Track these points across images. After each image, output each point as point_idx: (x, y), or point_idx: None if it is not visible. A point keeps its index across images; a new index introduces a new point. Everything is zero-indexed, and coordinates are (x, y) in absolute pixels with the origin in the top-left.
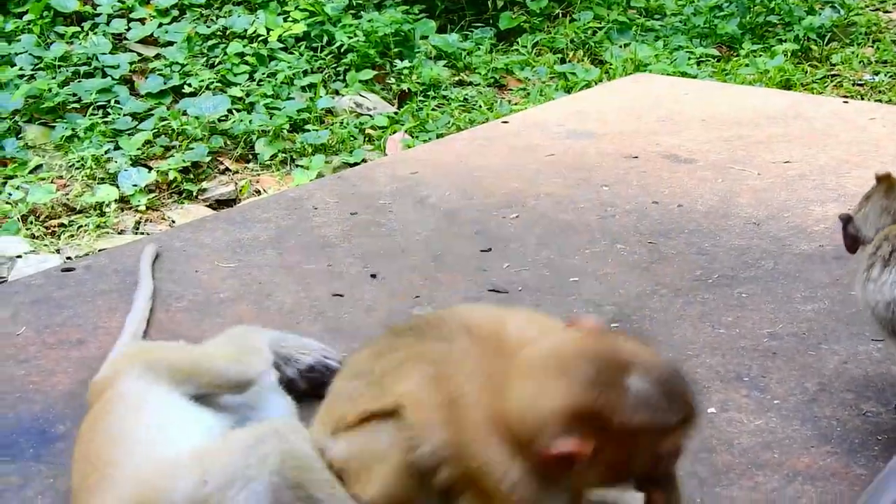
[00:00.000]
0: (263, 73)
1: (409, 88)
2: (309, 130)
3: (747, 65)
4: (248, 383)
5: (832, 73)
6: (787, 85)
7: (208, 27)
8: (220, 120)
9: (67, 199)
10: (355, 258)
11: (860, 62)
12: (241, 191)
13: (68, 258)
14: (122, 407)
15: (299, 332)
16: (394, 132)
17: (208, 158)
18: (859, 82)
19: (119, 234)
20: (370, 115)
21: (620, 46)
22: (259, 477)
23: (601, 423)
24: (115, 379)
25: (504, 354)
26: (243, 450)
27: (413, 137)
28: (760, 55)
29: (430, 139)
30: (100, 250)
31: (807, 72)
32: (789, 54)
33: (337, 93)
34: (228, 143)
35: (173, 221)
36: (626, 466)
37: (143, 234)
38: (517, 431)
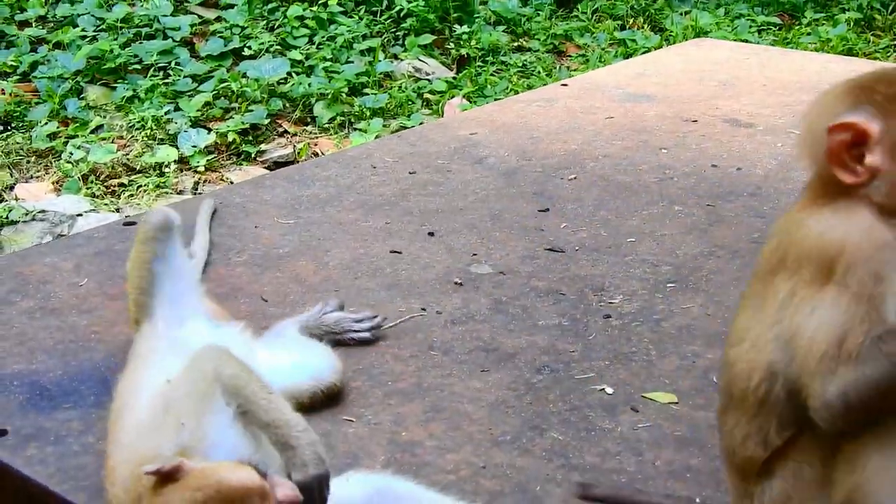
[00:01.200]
0: (323, 37)
1: (467, 54)
2: (367, 94)
3: (809, 33)
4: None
5: None
6: (849, 54)
7: None
8: (279, 83)
9: (127, 159)
10: (413, 216)
11: None
12: (299, 153)
13: (127, 217)
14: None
15: (357, 287)
16: (452, 97)
17: (267, 121)
18: None
19: (178, 194)
20: (428, 80)
21: (681, 14)
22: (213, 393)
23: (887, 98)
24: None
25: None
26: (189, 380)
27: (471, 102)
28: (822, 24)
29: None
30: None
31: (870, 41)
32: (852, 23)
33: (396, 57)
34: (287, 105)
35: (232, 182)
36: None
37: (201, 194)
38: (816, 158)
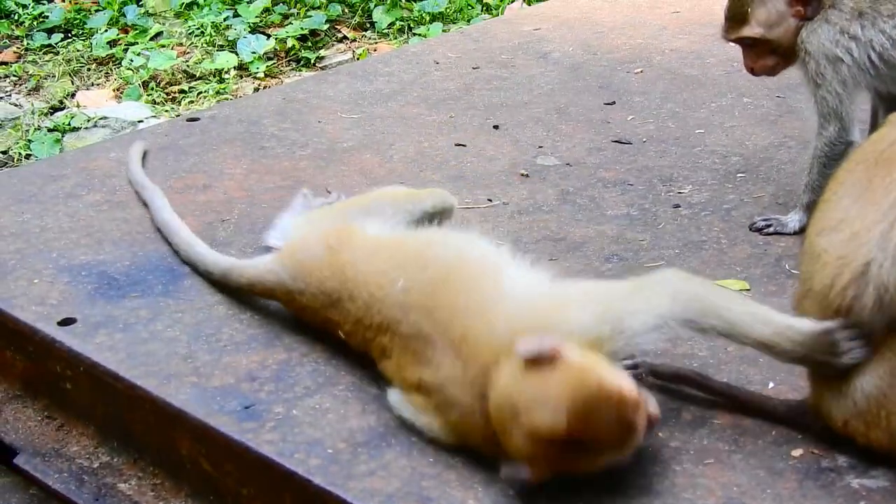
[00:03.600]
0: None
1: None
2: None
3: None
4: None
5: None
6: None
7: None
8: None
9: (187, 65)
10: (477, 111)
11: None
12: (358, 59)
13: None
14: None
15: (422, 179)
16: (512, 1)
17: (326, 26)
18: None
19: (238, 99)
20: None
21: None
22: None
23: None
24: None
25: None
26: (637, 290)
27: (529, 6)
28: None
29: None
30: None
31: None
32: None
33: None
34: (346, 11)
35: None
36: None
37: None
38: None
